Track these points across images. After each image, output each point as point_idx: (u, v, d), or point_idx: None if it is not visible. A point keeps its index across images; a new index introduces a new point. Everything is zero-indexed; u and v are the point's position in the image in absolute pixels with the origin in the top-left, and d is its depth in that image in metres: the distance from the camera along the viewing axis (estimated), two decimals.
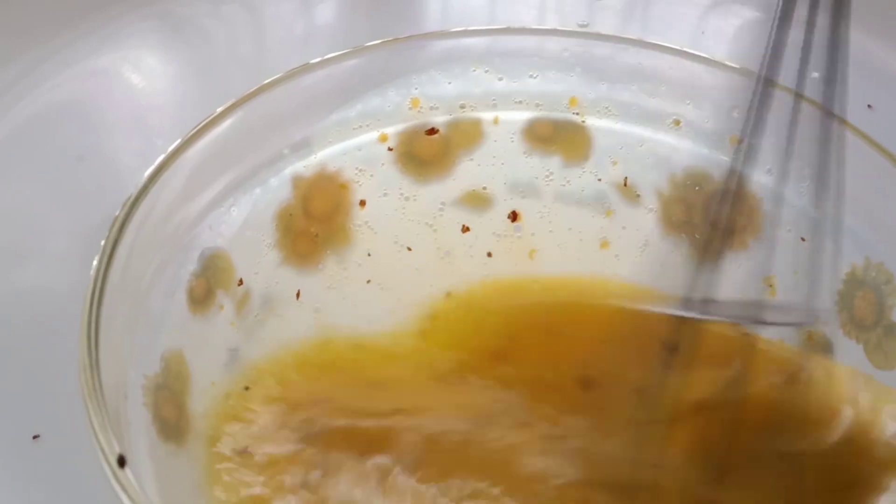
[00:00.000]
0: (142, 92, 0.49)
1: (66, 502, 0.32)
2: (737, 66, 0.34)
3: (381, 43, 0.35)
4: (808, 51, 0.34)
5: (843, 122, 0.31)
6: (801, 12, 0.40)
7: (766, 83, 0.32)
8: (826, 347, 0.31)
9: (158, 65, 0.51)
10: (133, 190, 0.28)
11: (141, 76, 0.50)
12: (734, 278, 0.35)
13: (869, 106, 0.46)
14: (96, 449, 0.23)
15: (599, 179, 0.37)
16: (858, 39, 0.52)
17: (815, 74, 0.49)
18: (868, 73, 0.50)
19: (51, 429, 0.33)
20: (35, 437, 0.33)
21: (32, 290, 0.39)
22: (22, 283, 0.39)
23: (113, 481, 0.22)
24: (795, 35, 0.34)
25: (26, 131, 0.46)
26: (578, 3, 0.56)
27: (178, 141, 0.30)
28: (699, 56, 0.34)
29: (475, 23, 0.35)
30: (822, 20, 0.36)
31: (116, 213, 0.28)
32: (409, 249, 0.36)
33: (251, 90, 0.32)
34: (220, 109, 0.31)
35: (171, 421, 0.28)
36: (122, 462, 0.22)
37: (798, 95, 0.32)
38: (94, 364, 0.24)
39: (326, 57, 0.34)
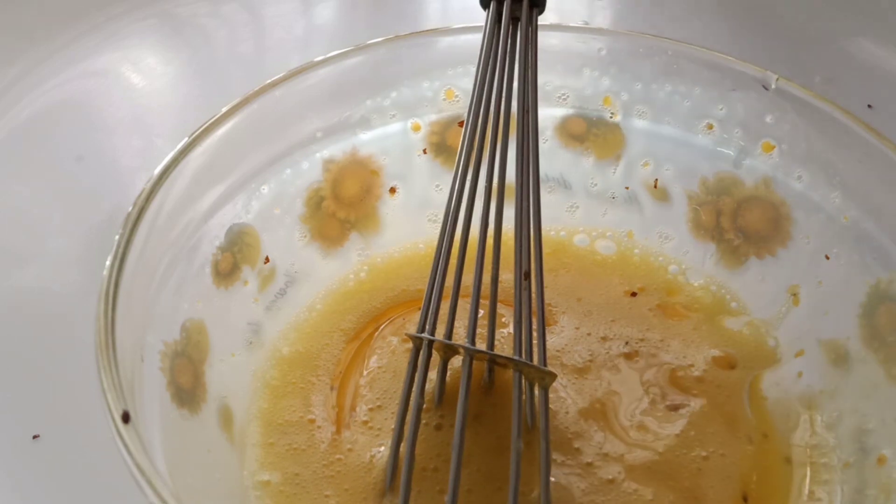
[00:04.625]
0: (142, 92, 0.49)
1: (66, 502, 0.31)
2: (773, 71, 0.33)
3: (416, 34, 0.35)
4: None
5: (878, 134, 0.30)
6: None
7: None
8: (844, 359, 0.31)
9: (158, 65, 0.51)
10: (163, 162, 0.28)
11: (141, 76, 0.50)
12: (760, 286, 0.35)
13: (869, 106, 0.46)
14: (104, 405, 0.23)
15: (629, 183, 0.38)
16: (858, 40, 0.53)
17: (817, 78, 0.50)
18: (868, 73, 0.51)
19: (51, 429, 0.33)
20: (35, 437, 0.33)
21: (32, 290, 0.39)
22: (22, 283, 0.39)
23: (115, 436, 0.22)
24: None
25: (26, 131, 0.46)
26: (578, 2, 0.56)
27: (212, 117, 0.30)
28: (734, 60, 0.34)
29: (475, 23, 0.34)
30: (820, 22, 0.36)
31: (148, 180, 0.28)
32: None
33: (288, 72, 0.33)
34: (254, 89, 0.31)
35: (187, 387, 0.28)
36: (125, 418, 0.22)
37: (835, 106, 0.31)
38: (109, 325, 0.24)
39: (363, 44, 0.34)
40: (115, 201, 0.40)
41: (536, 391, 0.28)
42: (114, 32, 0.51)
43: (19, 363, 0.35)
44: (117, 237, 0.26)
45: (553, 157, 0.38)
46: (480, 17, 0.31)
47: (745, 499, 0.29)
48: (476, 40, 0.30)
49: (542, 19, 0.31)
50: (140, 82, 0.49)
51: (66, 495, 0.31)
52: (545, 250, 0.29)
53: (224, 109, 0.31)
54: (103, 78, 0.49)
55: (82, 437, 0.31)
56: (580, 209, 0.39)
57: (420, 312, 0.29)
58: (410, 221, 0.38)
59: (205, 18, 0.54)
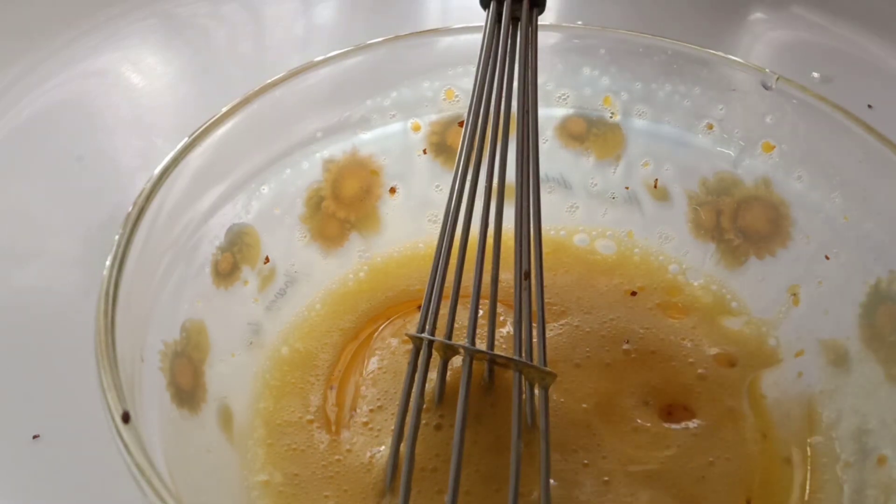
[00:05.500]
0: (142, 92, 0.49)
1: (66, 502, 0.31)
2: (773, 71, 0.33)
3: (416, 34, 0.35)
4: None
5: (878, 135, 0.30)
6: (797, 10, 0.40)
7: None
8: (844, 359, 0.31)
9: (158, 65, 0.51)
10: (163, 162, 0.28)
11: (141, 76, 0.50)
12: (759, 286, 0.35)
13: (869, 106, 0.46)
14: (104, 405, 0.23)
15: (629, 181, 0.38)
16: (858, 39, 0.53)
17: (816, 75, 0.50)
18: (868, 73, 0.51)
19: (51, 429, 0.33)
20: (35, 437, 0.32)
21: (32, 290, 0.39)
22: (22, 282, 0.39)
23: (115, 437, 0.22)
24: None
25: (26, 131, 0.45)
26: (575, 1, 0.56)
27: (212, 117, 0.30)
28: (734, 60, 0.34)
29: (474, 22, 0.35)
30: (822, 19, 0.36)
31: (148, 181, 0.28)
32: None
33: (288, 72, 0.32)
34: (253, 90, 0.31)
35: (187, 388, 0.28)
36: (126, 418, 0.22)
37: (833, 105, 0.32)
38: (109, 325, 0.24)
39: (363, 44, 0.34)
40: (115, 201, 0.40)
41: (536, 391, 0.28)
42: (114, 32, 0.51)
43: (19, 363, 0.35)
44: (117, 237, 0.26)
45: (553, 157, 0.37)
46: (480, 16, 0.31)
47: (748, 502, 0.29)
48: (476, 40, 0.30)
49: (542, 19, 0.31)
50: (140, 82, 0.49)
51: (65, 495, 0.31)
52: (545, 250, 0.29)
53: (224, 109, 0.31)
54: (103, 78, 0.49)
55: (82, 437, 0.31)
56: (580, 209, 0.39)
57: (420, 313, 0.29)
58: (410, 221, 0.37)
59: (205, 18, 0.54)
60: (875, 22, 0.53)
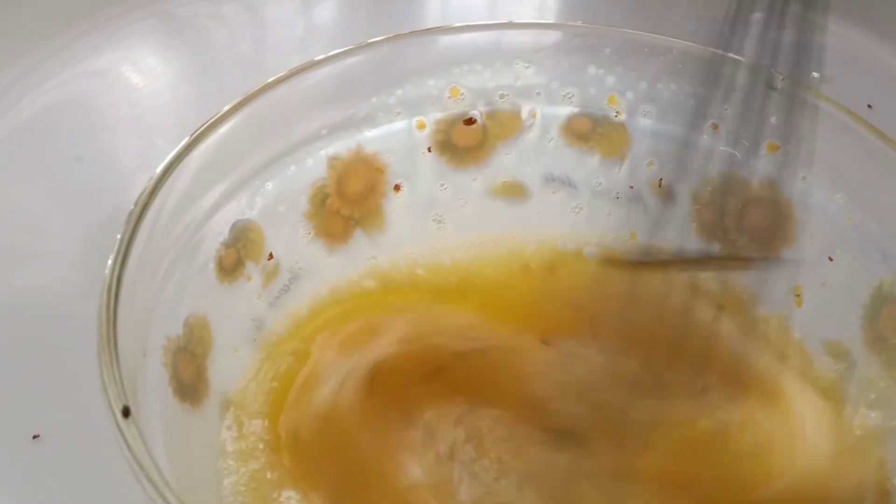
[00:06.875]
0: (142, 92, 0.49)
1: (66, 502, 0.31)
2: (778, 71, 0.33)
3: (422, 31, 0.35)
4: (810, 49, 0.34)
5: (881, 135, 0.31)
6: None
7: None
8: (847, 360, 0.31)
9: (158, 65, 0.51)
10: (166, 159, 0.28)
11: (141, 76, 0.49)
12: (764, 287, 0.35)
13: (869, 106, 0.46)
14: (105, 400, 0.23)
15: (634, 181, 0.37)
16: (858, 39, 0.53)
17: (816, 74, 0.50)
18: (868, 73, 0.51)
19: (51, 429, 0.33)
20: (35, 437, 0.32)
21: (32, 290, 0.38)
22: (22, 283, 0.39)
23: (116, 431, 0.22)
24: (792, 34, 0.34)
25: (26, 131, 0.45)
26: (577, 1, 0.56)
27: (215, 115, 0.30)
28: (740, 60, 0.34)
29: (475, 21, 0.35)
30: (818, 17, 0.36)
31: (151, 178, 0.28)
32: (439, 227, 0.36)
33: (292, 69, 0.32)
34: (258, 87, 0.31)
35: (189, 382, 0.28)
36: (126, 412, 0.22)
37: (837, 106, 0.32)
38: (111, 320, 0.24)
39: (368, 41, 0.34)
40: (115, 201, 0.40)
41: None
42: (114, 32, 0.51)
43: (19, 363, 0.35)
44: (120, 234, 0.26)
45: (558, 156, 0.37)
46: (481, 15, 0.31)
47: None
48: (479, 38, 0.30)
49: (546, 18, 0.31)
50: (140, 82, 0.49)
51: (65, 496, 0.31)
52: None
53: (227, 107, 0.31)
54: (103, 78, 0.49)
55: (82, 437, 0.31)
56: (584, 210, 0.38)
57: None
58: (415, 220, 0.37)
59: (205, 18, 0.54)
60: (875, 22, 0.53)
